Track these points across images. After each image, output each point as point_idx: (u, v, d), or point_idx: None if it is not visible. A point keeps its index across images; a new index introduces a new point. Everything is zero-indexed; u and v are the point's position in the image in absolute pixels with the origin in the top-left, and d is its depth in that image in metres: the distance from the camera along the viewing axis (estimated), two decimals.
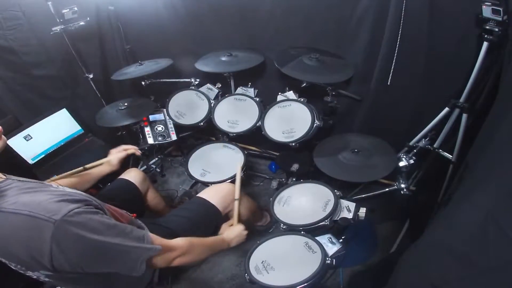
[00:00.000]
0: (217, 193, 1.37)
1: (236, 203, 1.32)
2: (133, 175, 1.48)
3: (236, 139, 1.86)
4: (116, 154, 1.40)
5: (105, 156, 1.41)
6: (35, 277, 0.80)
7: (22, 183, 0.79)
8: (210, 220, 1.31)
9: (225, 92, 2.00)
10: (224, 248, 1.18)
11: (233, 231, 1.23)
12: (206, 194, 1.36)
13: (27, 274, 0.80)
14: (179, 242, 0.97)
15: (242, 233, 1.25)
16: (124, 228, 0.83)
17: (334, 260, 1.17)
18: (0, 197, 0.72)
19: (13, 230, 0.69)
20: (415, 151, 1.58)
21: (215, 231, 1.37)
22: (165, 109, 1.96)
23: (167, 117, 2.00)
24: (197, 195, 1.39)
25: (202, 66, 1.81)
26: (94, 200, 0.86)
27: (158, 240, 0.90)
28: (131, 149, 1.42)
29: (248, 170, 1.99)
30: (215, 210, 1.31)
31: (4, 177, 0.79)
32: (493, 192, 0.69)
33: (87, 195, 0.88)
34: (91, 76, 1.98)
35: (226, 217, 1.41)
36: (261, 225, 1.72)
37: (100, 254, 0.75)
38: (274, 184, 2.01)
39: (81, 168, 1.30)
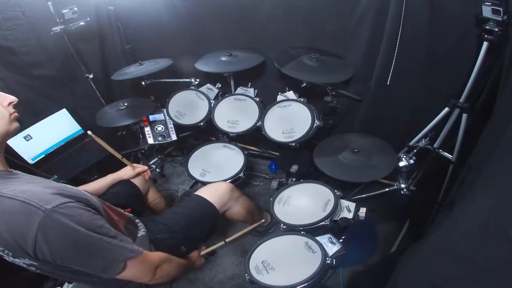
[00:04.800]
0: (215, 191, 1.38)
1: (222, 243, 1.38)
2: None
3: (236, 139, 1.87)
4: (140, 168, 1.43)
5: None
6: (24, 265, 0.81)
7: (26, 177, 0.86)
8: (207, 217, 1.32)
9: (225, 92, 2.00)
10: (190, 266, 1.25)
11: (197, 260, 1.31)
12: (203, 192, 1.37)
13: (15, 262, 0.81)
14: (158, 253, 1.03)
15: (196, 264, 1.30)
16: (110, 230, 0.85)
17: (334, 260, 1.17)
18: (3, 183, 0.78)
19: (5, 212, 0.72)
20: (415, 151, 1.58)
21: (212, 228, 1.38)
22: (165, 109, 1.96)
23: (167, 117, 1.99)
24: (195, 193, 1.39)
25: (202, 66, 1.81)
26: (91, 199, 0.89)
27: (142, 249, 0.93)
28: (148, 171, 1.48)
29: (248, 170, 1.99)
30: (213, 208, 1.32)
31: (11, 170, 0.87)
32: (495, 192, 0.69)
33: (86, 194, 0.91)
34: (91, 76, 1.98)
35: (223, 215, 1.42)
36: (261, 225, 1.70)
37: (82, 247, 0.77)
38: (274, 184, 2.01)
39: (120, 155, 1.37)
